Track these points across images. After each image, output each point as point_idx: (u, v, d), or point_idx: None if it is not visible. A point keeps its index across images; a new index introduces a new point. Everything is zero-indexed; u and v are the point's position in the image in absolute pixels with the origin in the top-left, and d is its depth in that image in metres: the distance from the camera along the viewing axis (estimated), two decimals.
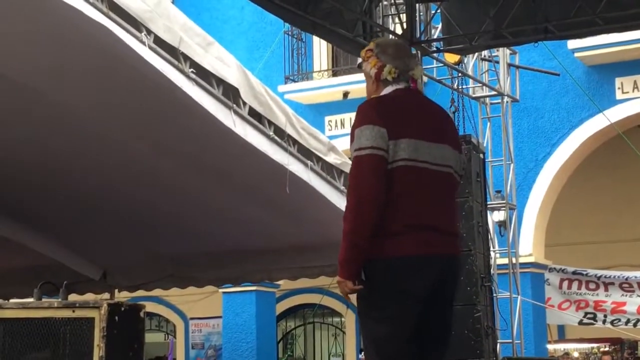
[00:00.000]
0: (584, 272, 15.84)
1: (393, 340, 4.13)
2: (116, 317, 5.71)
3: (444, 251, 4.25)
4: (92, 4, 5.46)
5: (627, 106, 15.60)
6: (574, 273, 15.87)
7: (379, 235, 4.16)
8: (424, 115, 4.37)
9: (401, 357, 4.13)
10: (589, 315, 15.73)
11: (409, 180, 4.20)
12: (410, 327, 4.14)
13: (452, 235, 4.35)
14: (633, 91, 15.60)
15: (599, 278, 15.67)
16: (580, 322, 15.96)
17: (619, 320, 15.47)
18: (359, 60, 4.61)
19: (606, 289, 15.62)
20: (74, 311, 5.77)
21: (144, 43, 5.84)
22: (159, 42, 6.05)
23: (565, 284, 15.86)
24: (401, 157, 4.19)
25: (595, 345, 18.82)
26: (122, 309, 5.83)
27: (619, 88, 15.69)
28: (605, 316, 15.61)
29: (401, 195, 4.18)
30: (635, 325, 15.43)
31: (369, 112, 4.26)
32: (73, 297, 6.71)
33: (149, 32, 5.94)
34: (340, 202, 7.66)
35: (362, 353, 16.17)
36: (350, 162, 4.32)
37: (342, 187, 7.80)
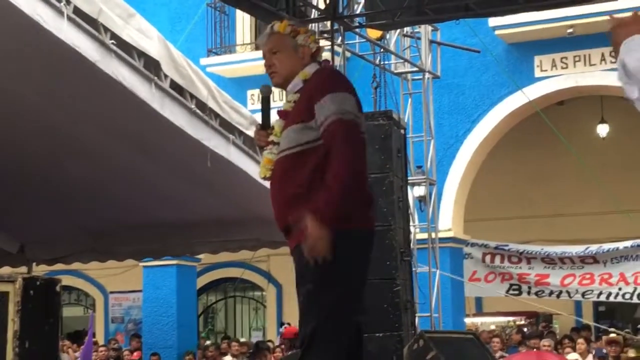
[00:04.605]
0: (506, 247, 16.07)
1: (355, 314, 4.05)
2: (31, 292, 5.65)
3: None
4: None
5: (546, 84, 15.83)
6: (495, 248, 16.09)
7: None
8: None
9: (353, 328, 4.07)
10: (514, 287, 15.96)
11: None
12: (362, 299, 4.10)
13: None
14: (551, 69, 15.83)
15: (520, 253, 15.91)
16: (507, 294, 16.22)
17: (543, 291, 15.74)
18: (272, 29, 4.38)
19: (529, 262, 15.86)
20: None
21: (62, 13, 5.76)
22: (78, 12, 5.97)
23: (488, 257, 16.06)
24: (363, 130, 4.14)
25: (511, 318, 19.18)
26: (38, 283, 5.77)
27: (537, 66, 15.91)
28: (529, 288, 15.85)
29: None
30: (558, 296, 15.69)
31: (346, 80, 4.18)
32: None
33: (67, 2, 5.85)
34: None
35: (283, 327, 16.20)
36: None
37: None
